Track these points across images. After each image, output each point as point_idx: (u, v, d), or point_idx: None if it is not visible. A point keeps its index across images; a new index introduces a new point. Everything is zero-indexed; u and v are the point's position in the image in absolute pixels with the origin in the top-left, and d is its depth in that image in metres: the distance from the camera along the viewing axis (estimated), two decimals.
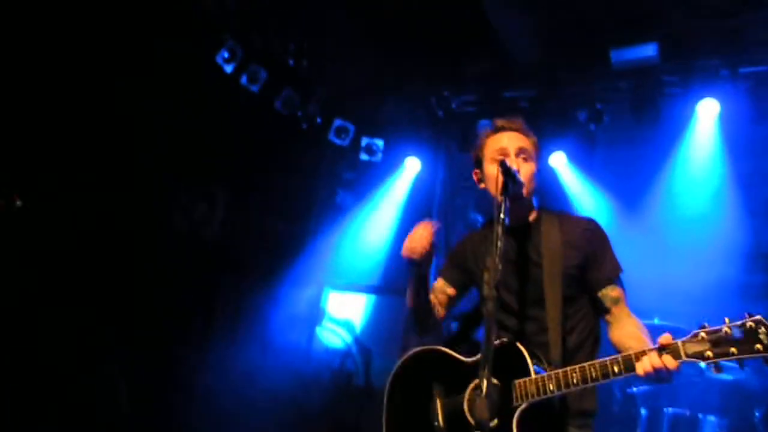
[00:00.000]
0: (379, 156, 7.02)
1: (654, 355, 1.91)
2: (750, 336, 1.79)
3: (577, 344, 2.35)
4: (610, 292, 2.34)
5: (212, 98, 6.17)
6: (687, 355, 1.87)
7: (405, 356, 2.61)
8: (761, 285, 5.34)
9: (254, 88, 6.24)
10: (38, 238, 5.05)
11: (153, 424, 5.73)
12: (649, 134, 5.84)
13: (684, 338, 1.90)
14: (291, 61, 6.39)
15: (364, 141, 7.02)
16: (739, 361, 1.81)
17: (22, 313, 4.88)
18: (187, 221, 6.72)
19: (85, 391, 5.33)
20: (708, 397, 5.04)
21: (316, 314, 6.82)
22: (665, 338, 1.95)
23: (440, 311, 2.67)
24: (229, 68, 6.03)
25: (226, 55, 5.98)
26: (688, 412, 4.88)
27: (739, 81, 5.43)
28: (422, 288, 2.53)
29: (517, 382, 2.12)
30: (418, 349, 2.60)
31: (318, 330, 6.77)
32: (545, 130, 6.44)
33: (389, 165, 7.03)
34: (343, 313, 6.83)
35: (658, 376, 1.90)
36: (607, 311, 2.34)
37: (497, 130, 2.55)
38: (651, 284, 5.03)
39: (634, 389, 5.18)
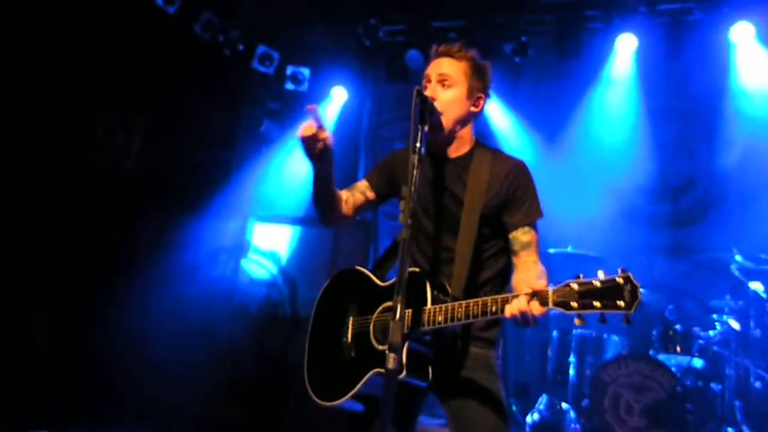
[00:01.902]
0: (305, 85, 6.85)
1: (523, 299, 1.95)
2: (616, 292, 1.81)
3: (483, 281, 2.40)
4: (521, 236, 2.35)
5: (126, 21, 5.79)
6: (554, 304, 1.90)
7: (330, 278, 2.67)
8: (665, 214, 5.69)
9: (170, 10, 5.89)
10: None
11: (75, 363, 5.63)
12: (572, 68, 5.96)
13: (555, 287, 1.93)
14: None
15: (290, 70, 6.82)
16: (602, 315, 1.84)
17: None
18: (104, 154, 6.43)
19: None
20: (611, 320, 5.42)
21: (241, 246, 6.76)
22: (538, 285, 2.00)
23: (348, 210, 2.62)
24: None
25: None
26: (594, 333, 5.24)
27: (657, 18, 5.58)
28: (322, 184, 2.47)
29: (409, 311, 2.15)
30: (341, 270, 2.64)
31: (243, 262, 6.74)
32: None
33: (316, 95, 6.87)
34: (269, 245, 6.80)
35: (524, 319, 1.95)
36: (515, 254, 2.36)
37: (434, 55, 2.49)
38: (566, 214, 5.25)
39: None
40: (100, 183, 6.08)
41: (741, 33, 5.33)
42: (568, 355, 5.19)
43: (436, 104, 2.35)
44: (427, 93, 2.35)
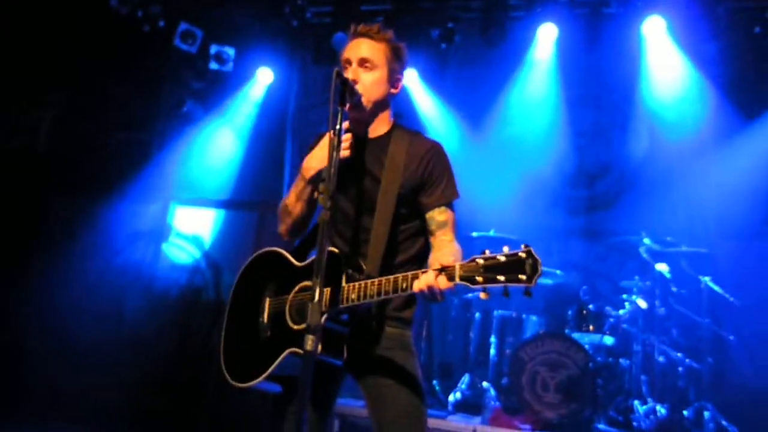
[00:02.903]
0: (230, 65, 6.66)
1: (431, 274, 2.00)
2: (518, 266, 1.88)
3: (400, 261, 2.42)
4: (437, 216, 2.39)
5: None
6: (461, 278, 1.96)
7: (247, 260, 2.63)
8: (582, 198, 5.93)
9: None
10: None
11: None
12: (496, 55, 6.08)
13: (462, 262, 1.99)
14: None
15: (214, 48, 6.60)
16: (505, 288, 1.91)
17: None
18: (12, 135, 6.07)
19: None
20: (531, 301, 5.63)
21: (162, 230, 6.55)
22: (444, 259, 2.06)
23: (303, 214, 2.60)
24: None
25: None
26: (514, 314, 5.43)
27: (576, 9, 5.76)
28: (312, 205, 2.48)
29: (326, 289, 2.15)
30: (258, 252, 2.61)
31: (164, 246, 6.54)
32: None
33: (241, 75, 6.72)
34: (191, 229, 6.63)
35: (432, 293, 2.00)
36: (431, 234, 2.40)
37: (353, 35, 2.48)
38: (489, 199, 5.41)
39: (470, 295, 5.65)
40: (8, 167, 5.75)
41: (652, 26, 5.57)
42: (490, 336, 5.35)
43: (358, 87, 2.34)
44: (348, 75, 2.35)
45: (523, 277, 1.86)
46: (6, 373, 5.32)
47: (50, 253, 5.96)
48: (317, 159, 2.39)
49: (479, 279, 1.92)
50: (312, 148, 2.61)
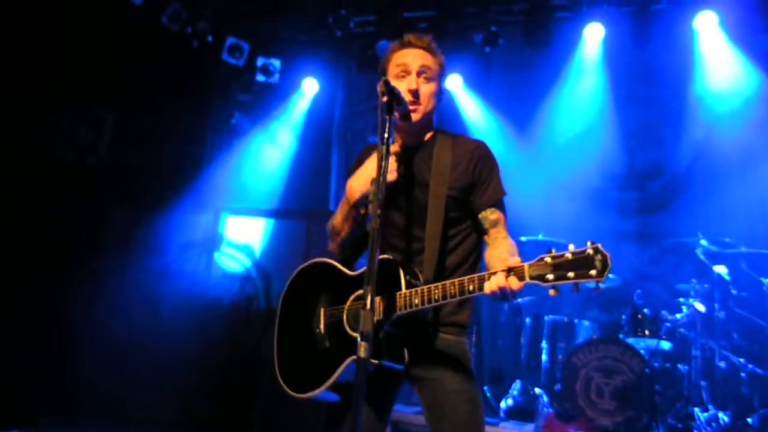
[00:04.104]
0: (276, 77, 6.80)
1: (501, 275, 2.02)
2: (587, 262, 1.90)
3: (456, 263, 2.43)
4: (489, 215, 2.41)
5: (92, 12, 5.68)
6: (531, 277, 1.98)
7: (295, 271, 2.66)
8: (633, 200, 5.79)
9: (137, 1, 5.80)
10: None
11: (45, 363, 5.55)
12: (541, 57, 6.01)
13: (530, 262, 2.01)
14: None
15: (260, 61, 6.76)
16: (575, 285, 1.93)
17: None
18: (71, 148, 6.31)
19: None
20: (583, 306, 5.52)
21: (213, 240, 6.72)
22: (514, 261, 2.07)
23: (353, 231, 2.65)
24: None
25: None
26: (566, 319, 5.33)
27: (623, 7, 5.66)
28: (354, 223, 2.51)
29: (382, 298, 2.18)
30: (306, 263, 2.64)
31: (216, 255, 6.69)
32: (444, 52, 6.49)
33: (287, 87, 6.85)
34: (242, 238, 6.77)
35: (503, 294, 2.02)
36: (485, 233, 2.42)
37: (404, 45, 2.51)
38: (537, 202, 5.34)
39: (519, 300, 5.58)
40: (66, 179, 5.98)
41: (705, 21, 5.43)
42: (541, 341, 5.27)
43: (420, 97, 2.40)
44: (408, 84, 2.40)
45: (594, 273, 1.88)
46: (58, 377, 5.50)
47: (106, 262, 6.16)
48: (361, 181, 2.40)
49: (549, 277, 1.95)
50: (359, 160, 2.64)
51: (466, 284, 2.09)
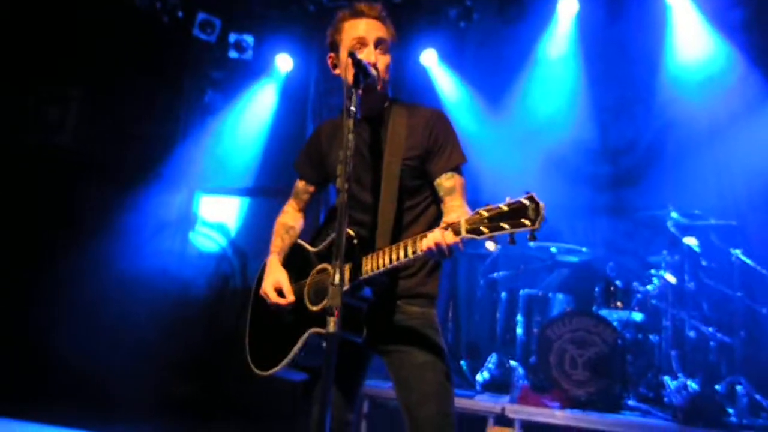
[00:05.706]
0: (250, 53, 6.70)
1: (438, 231, 2.02)
2: (521, 212, 1.87)
3: (414, 234, 2.37)
4: (444, 182, 2.38)
5: None
6: (467, 231, 1.97)
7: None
8: (607, 175, 5.83)
9: None
10: None
11: (17, 346, 5.48)
12: (515, 33, 5.99)
13: (466, 217, 2.00)
14: None
15: (233, 37, 6.65)
16: (511, 235, 1.91)
17: None
18: (37, 129, 6.17)
19: None
20: (557, 280, 5.58)
21: (188, 219, 6.65)
22: (450, 218, 2.09)
23: (303, 218, 2.75)
24: None
25: None
26: (540, 293, 5.39)
27: None
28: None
29: (344, 266, 2.14)
30: None
31: (191, 235, 6.64)
32: (418, 27, 6.44)
33: (260, 63, 6.74)
34: (217, 217, 6.71)
35: (439, 250, 2.01)
36: (441, 201, 2.40)
37: (356, 14, 2.44)
38: (511, 178, 5.35)
39: (495, 275, 5.63)
40: (33, 159, 5.86)
41: None
42: (516, 315, 5.33)
43: (375, 69, 2.33)
44: (367, 57, 2.34)
45: (528, 222, 1.86)
46: (33, 360, 5.45)
47: (77, 243, 6.07)
48: (270, 284, 2.48)
49: (485, 230, 1.92)
50: (311, 145, 2.69)
51: (408, 245, 2.09)
